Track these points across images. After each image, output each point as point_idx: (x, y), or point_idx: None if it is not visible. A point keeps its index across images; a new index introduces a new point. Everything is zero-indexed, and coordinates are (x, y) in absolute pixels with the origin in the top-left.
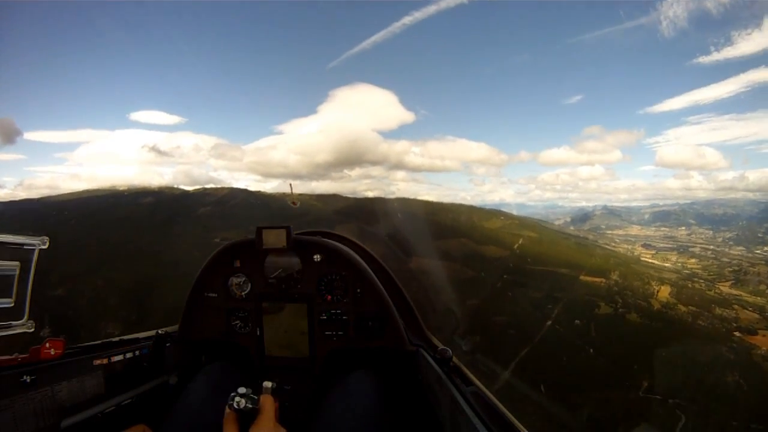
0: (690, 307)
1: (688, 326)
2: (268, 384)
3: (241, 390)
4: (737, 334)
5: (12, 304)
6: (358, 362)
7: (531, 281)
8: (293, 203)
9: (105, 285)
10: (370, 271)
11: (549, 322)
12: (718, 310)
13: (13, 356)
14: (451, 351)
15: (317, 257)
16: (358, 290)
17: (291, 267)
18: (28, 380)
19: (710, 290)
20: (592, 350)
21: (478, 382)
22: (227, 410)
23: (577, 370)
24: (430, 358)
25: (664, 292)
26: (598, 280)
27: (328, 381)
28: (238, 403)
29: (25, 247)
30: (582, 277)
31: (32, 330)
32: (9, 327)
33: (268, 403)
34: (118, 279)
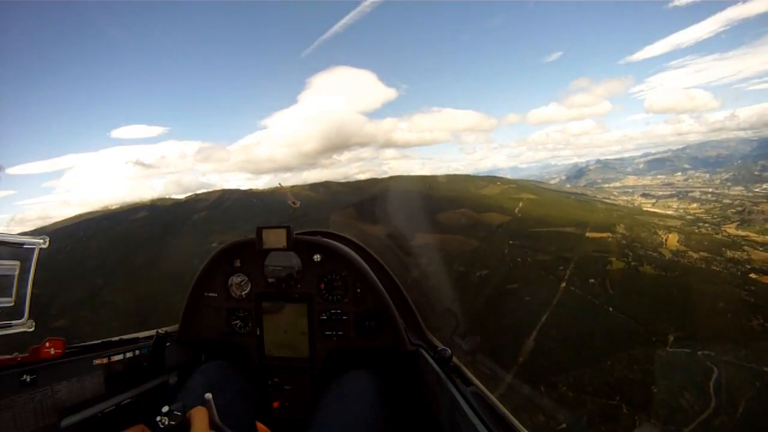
0: (701, 253)
1: (704, 273)
2: (208, 395)
3: (164, 409)
4: (753, 275)
5: (12, 304)
6: (358, 362)
7: (537, 244)
8: (293, 203)
9: (107, 308)
10: (370, 270)
11: (563, 284)
12: (729, 253)
13: (13, 356)
14: (451, 351)
15: (317, 257)
16: (358, 290)
17: (291, 267)
18: (28, 380)
19: (717, 233)
20: (611, 308)
21: (478, 382)
22: None
23: (601, 331)
24: (430, 358)
25: (673, 240)
26: (604, 235)
27: (328, 381)
28: (161, 422)
29: (25, 246)
30: (588, 234)
31: (32, 329)
32: (9, 326)
33: (198, 415)
34: (119, 300)
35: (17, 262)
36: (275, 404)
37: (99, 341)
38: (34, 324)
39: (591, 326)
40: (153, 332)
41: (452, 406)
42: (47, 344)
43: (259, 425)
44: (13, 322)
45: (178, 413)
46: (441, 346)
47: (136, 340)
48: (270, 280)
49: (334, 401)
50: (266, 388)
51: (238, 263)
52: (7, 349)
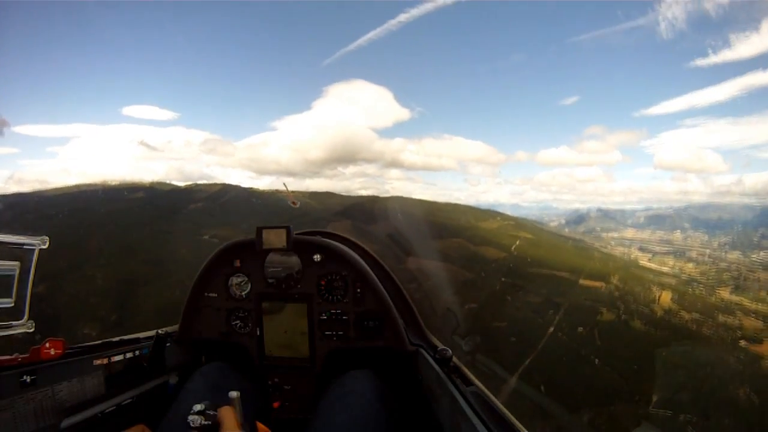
0: (693, 314)
1: (694, 334)
2: (234, 394)
3: (197, 407)
4: (743, 343)
5: (12, 304)
6: (358, 362)
7: (530, 284)
8: (293, 203)
9: (87, 283)
10: (370, 270)
11: (551, 329)
12: (721, 318)
13: (13, 356)
14: (451, 351)
15: (317, 257)
16: (358, 290)
17: (291, 267)
18: (28, 380)
19: (711, 296)
20: (597, 360)
21: (478, 382)
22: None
23: (584, 382)
24: (430, 358)
25: (666, 298)
26: (598, 284)
27: (328, 381)
28: (194, 421)
29: (25, 246)
30: (582, 281)
31: (32, 330)
32: (9, 327)
33: (227, 414)
34: (100, 277)
35: (17, 263)
36: (275, 404)
37: (99, 342)
38: (34, 324)
39: (574, 376)
40: (153, 332)
41: (452, 406)
42: (47, 344)
43: (260, 425)
44: (13, 322)
45: (213, 413)
46: (441, 346)
47: (137, 340)
48: (270, 280)
49: (335, 401)
50: (266, 388)
51: (238, 263)
52: (8, 349)
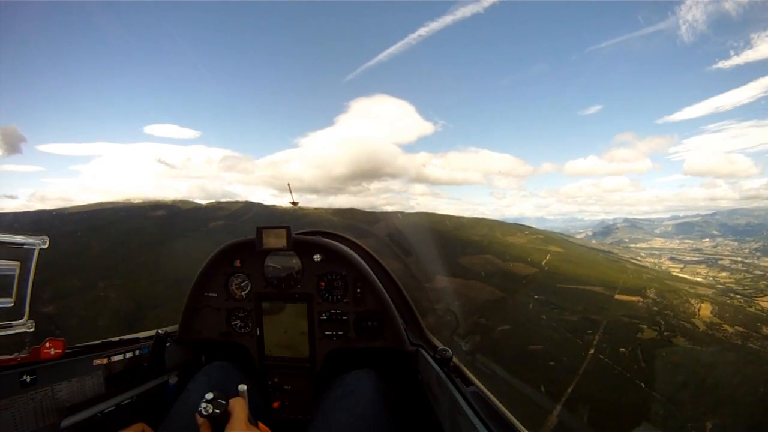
0: (737, 327)
1: (741, 350)
2: (242, 387)
3: (208, 396)
4: None
5: (12, 304)
6: (358, 362)
7: (564, 302)
8: (293, 203)
9: (99, 303)
10: (370, 271)
11: (591, 351)
12: (765, 329)
13: (13, 356)
14: (451, 351)
15: (317, 257)
16: (358, 290)
17: (291, 267)
18: (28, 380)
19: (750, 306)
20: (643, 384)
21: (478, 382)
22: (199, 418)
23: (631, 410)
24: (430, 358)
25: (706, 311)
26: (634, 299)
27: (327, 381)
28: (205, 409)
29: (25, 246)
30: (617, 296)
31: (32, 329)
32: (9, 327)
33: (238, 406)
34: (113, 297)
35: (17, 263)
36: (275, 404)
37: (99, 341)
38: (34, 324)
39: (621, 404)
40: (153, 332)
41: (452, 406)
42: (47, 344)
43: (260, 425)
44: (13, 322)
45: (223, 402)
46: (441, 346)
47: (136, 340)
48: (270, 280)
49: (335, 401)
50: (266, 388)
51: (238, 263)
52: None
